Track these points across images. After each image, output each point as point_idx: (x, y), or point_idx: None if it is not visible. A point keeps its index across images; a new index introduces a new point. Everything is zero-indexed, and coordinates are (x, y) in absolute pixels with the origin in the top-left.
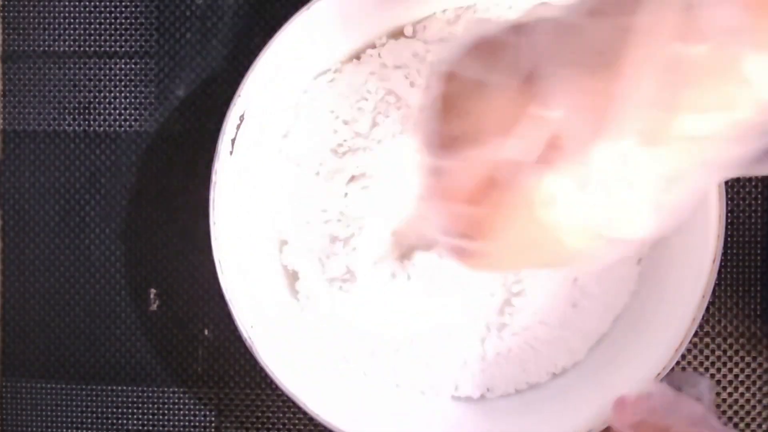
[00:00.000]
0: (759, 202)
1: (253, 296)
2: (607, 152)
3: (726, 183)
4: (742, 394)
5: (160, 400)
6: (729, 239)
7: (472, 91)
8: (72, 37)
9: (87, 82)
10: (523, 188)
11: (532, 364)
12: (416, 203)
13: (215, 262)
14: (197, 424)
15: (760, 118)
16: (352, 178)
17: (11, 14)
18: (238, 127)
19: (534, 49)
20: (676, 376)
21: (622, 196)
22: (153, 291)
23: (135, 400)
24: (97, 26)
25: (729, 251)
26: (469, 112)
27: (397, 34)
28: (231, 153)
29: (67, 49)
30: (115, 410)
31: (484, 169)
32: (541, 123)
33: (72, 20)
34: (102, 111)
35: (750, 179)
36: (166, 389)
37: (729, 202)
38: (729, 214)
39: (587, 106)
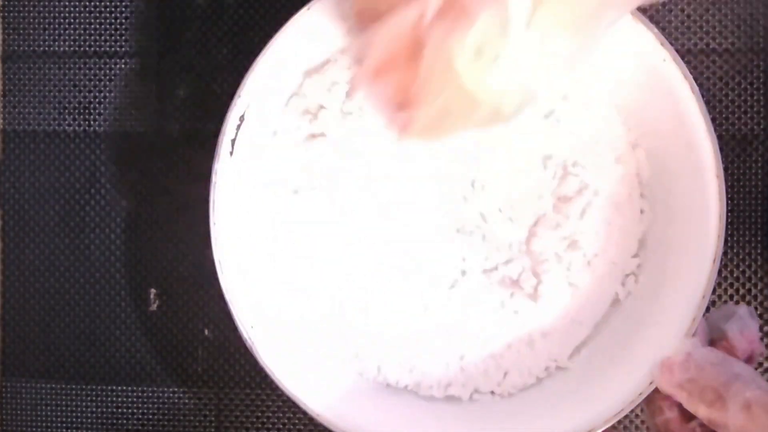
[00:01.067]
0: (759, 201)
1: (253, 296)
2: (509, 9)
3: (726, 183)
4: None
5: (160, 400)
6: (729, 239)
7: None
8: (72, 37)
9: (87, 82)
10: (437, 50)
11: (526, 365)
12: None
13: (215, 262)
14: (197, 424)
15: None
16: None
17: (11, 14)
18: (238, 127)
19: None
20: (713, 315)
21: (536, 47)
22: (153, 291)
23: (135, 400)
24: (97, 26)
25: (729, 251)
26: None
27: None
28: (231, 153)
29: (67, 49)
30: (115, 410)
31: (399, 39)
32: None
33: (72, 20)
34: (102, 111)
35: (750, 179)
36: (166, 389)
37: (729, 202)
38: (729, 214)
39: None
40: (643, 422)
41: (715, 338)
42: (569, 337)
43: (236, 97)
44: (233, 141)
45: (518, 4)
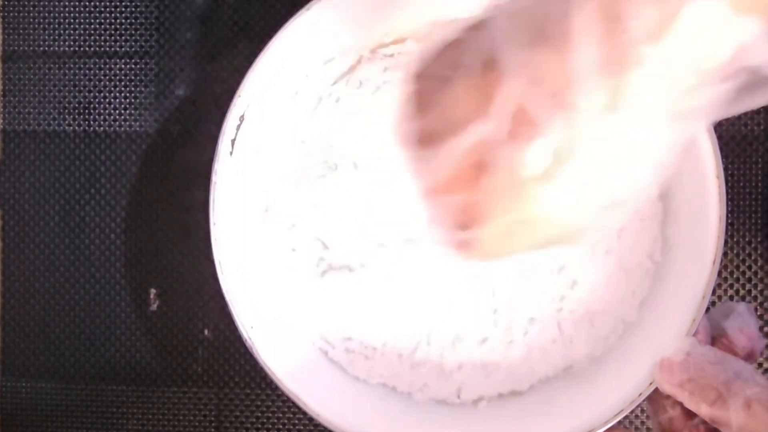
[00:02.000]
0: (759, 202)
1: (253, 297)
2: (578, 118)
3: (726, 183)
4: None
5: (160, 400)
6: (729, 239)
7: (440, 86)
8: (72, 37)
9: (87, 82)
10: (505, 166)
11: (528, 369)
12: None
13: (215, 262)
14: (197, 424)
15: (722, 58)
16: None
17: (11, 14)
18: (238, 127)
19: (491, 38)
20: (713, 313)
21: (612, 159)
22: (153, 291)
23: (135, 400)
24: (97, 26)
25: (729, 251)
26: (440, 104)
27: (399, 39)
28: (231, 153)
29: (67, 49)
30: (115, 410)
31: (465, 158)
32: (506, 100)
33: (72, 20)
34: (102, 111)
35: (750, 179)
36: (166, 389)
37: (729, 202)
38: (729, 215)
39: (545, 78)
40: (643, 423)
41: (714, 336)
42: (568, 336)
43: (236, 97)
44: (233, 141)
45: (591, 101)
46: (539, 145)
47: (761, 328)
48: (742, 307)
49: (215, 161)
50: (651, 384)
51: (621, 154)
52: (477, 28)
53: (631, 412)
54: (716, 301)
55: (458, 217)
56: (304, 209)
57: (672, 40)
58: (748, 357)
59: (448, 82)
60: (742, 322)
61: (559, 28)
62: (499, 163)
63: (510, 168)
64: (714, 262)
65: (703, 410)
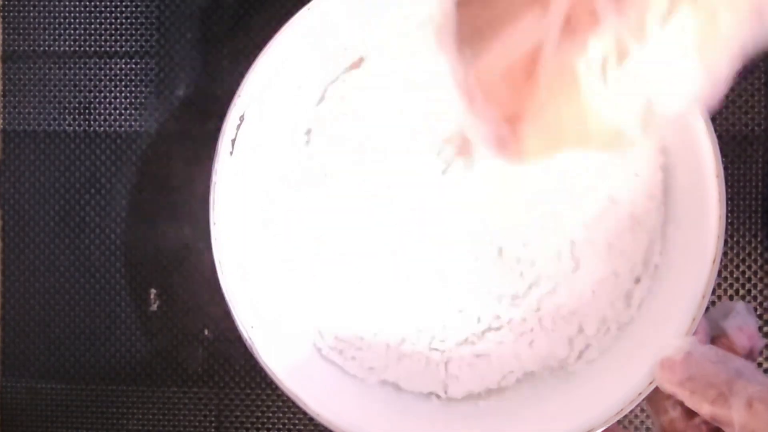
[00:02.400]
0: (759, 202)
1: (253, 296)
2: (636, 21)
3: (726, 183)
4: None
5: (160, 400)
6: (729, 239)
7: None
8: (72, 37)
9: (87, 82)
10: (559, 60)
11: (524, 365)
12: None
13: (215, 262)
14: (197, 424)
15: None
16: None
17: (11, 14)
18: (238, 127)
19: None
20: (712, 313)
21: (656, 68)
22: (153, 291)
23: (135, 400)
24: (97, 26)
25: (729, 251)
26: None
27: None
28: (231, 153)
29: (67, 49)
30: (115, 410)
31: (516, 54)
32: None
33: (72, 20)
34: (102, 111)
35: (750, 179)
36: (166, 389)
37: (729, 202)
38: (729, 214)
39: None
40: (642, 422)
41: (714, 336)
42: (568, 338)
43: (236, 96)
44: (233, 141)
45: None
46: (596, 42)
47: (761, 328)
48: (741, 306)
49: (215, 161)
50: (651, 384)
51: (664, 67)
52: None
53: (631, 411)
54: (716, 300)
55: (505, 110)
56: (304, 209)
57: None
58: (748, 356)
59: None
60: (741, 321)
61: None
62: (552, 57)
63: (564, 63)
64: (714, 262)
65: (705, 409)
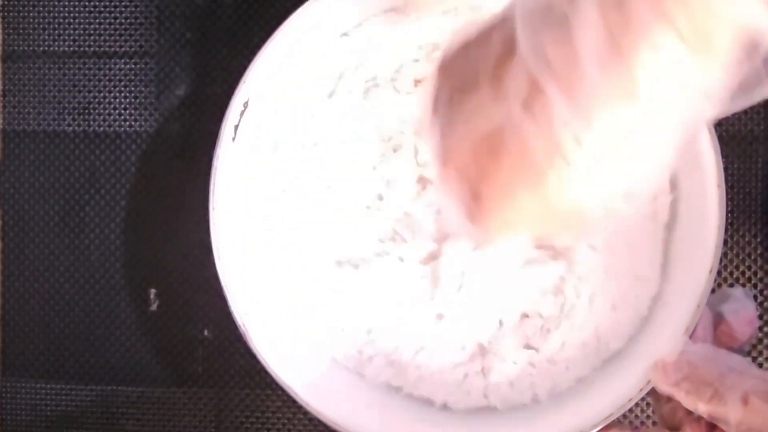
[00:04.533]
0: (758, 203)
1: (249, 284)
2: (593, 103)
3: (726, 183)
4: None
5: (160, 400)
6: (729, 239)
7: (463, 79)
8: (72, 37)
9: (87, 82)
10: (522, 143)
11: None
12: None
13: (213, 249)
14: (197, 424)
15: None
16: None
17: (11, 14)
18: (242, 113)
19: (512, 25)
20: (710, 299)
21: (627, 147)
22: (153, 291)
23: (135, 400)
24: (97, 26)
25: (729, 251)
26: (463, 88)
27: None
28: (233, 139)
29: (67, 49)
30: (115, 410)
31: (482, 130)
32: (516, 78)
33: (72, 20)
34: (102, 111)
35: (750, 180)
36: (166, 389)
37: (729, 202)
38: (729, 215)
39: (557, 61)
40: (642, 423)
41: (714, 323)
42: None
43: (241, 83)
44: (236, 127)
45: (604, 86)
46: (556, 126)
47: (761, 329)
48: (739, 292)
49: (217, 146)
50: (641, 390)
51: (636, 143)
52: (502, 18)
53: (631, 412)
54: (715, 288)
55: (476, 190)
56: (304, 206)
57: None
58: (749, 340)
59: (471, 74)
60: (739, 307)
61: (569, 8)
62: (515, 140)
63: (527, 144)
64: (711, 272)
65: (701, 408)
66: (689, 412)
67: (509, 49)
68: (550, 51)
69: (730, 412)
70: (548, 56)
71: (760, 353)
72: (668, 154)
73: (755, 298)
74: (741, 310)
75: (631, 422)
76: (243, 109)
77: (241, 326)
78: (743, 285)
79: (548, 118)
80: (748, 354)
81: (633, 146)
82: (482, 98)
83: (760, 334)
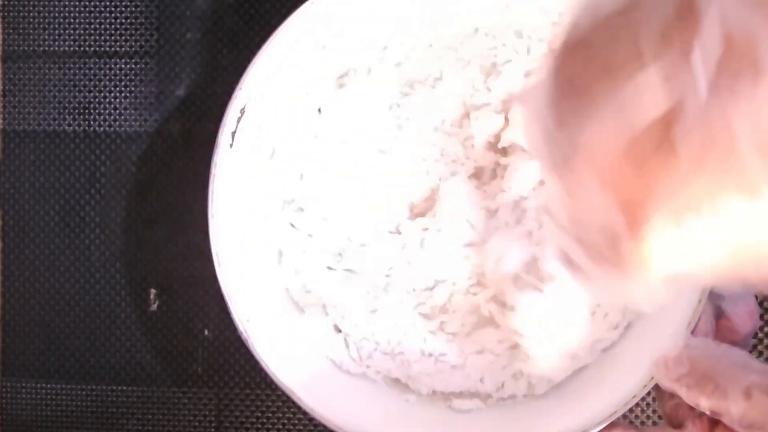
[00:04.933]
0: None
1: (250, 289)
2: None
3: None
4: None
5: (160, 400)
6: None
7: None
8: (72, 37)
9: (87, 82)
10: (700, 138)
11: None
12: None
13: (213, 255)
14: (197, 424)
15: None
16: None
17: (11, 14)
18: (239, 120)
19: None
20: (710, 294)
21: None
22: (153, 291)
23: (135, 400)
24: (97, 26)
25: None
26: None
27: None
28: (231, 145)
29: (67, 49)
30: (115, 410)
31: (641, 121)
32: (711, 31)
33: (72, 20)
34: (102, 111)
35: None
36: (166, 389)
37: None
38: None
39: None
40: (648, 417)
41: (715, 318)
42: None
43: (237, 89)
44: (233, 133)
45: None
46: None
47: (762, 329)
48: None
49: (215, 153)
50: (645, 387)
51: None
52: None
53: (637, 406)
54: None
55: (623, 194)
56: (304, 206)
57: None
58: (750, 333)
59: (623, 48)
60: (739, 299)
61: None
62: (701, 132)
63: (714, 120)
64: None
65: (703, 403)
66: (692, 409)
67: (687, 6)
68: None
69: (732, 406)
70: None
71: (761, 353)
72: None
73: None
74: (741, 303)
75: (631, 422)
76: (240, 115)
77: (243, 332)
78: None
79: (759, 98)
80: (755, 347)
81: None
82: (647, 78)
83: (760, 334)
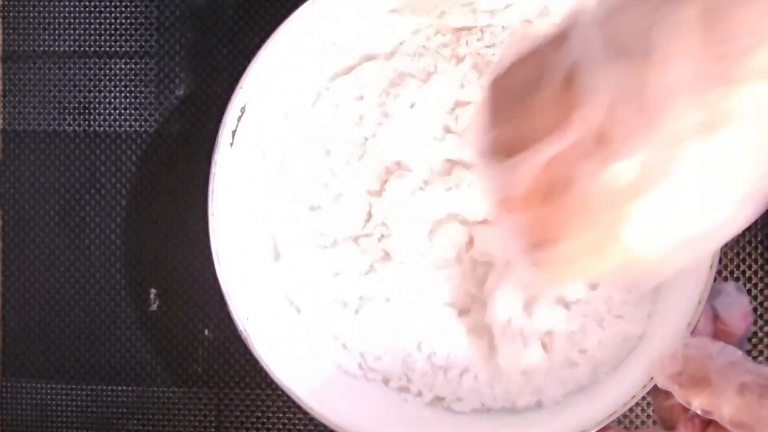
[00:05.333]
0: None
1: (250, 289)
2: (668, 138)
3: None
4: None
5: (160, 400)
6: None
7: (516, 98)
8: (72, 37)
9: (87, 82)
10: (587, 182)
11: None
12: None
13: (212, 254)
14: (197, 424)
15: None
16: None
17: (11, 14)
18: (239, 119)
19: (570, 54)
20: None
21: (701, 187)
22: (153, 291)
23: (135, 400)
24: (97, 26)
25: (729, 251)
26: (516, 116)
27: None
28: (231, 144)
29: (67, 49)
30: (115, 410)
31: (544, 171)
32: (587, 119)
33: (72, 20)
34: (102, 111)
35: None
36: (166, 389)
37: None
38: None
39: (628, 96)
40: (643, 422)
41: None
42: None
43: (238, 88)
44: (234, 132)
45: (683, 120)
46: (625, 163)
47: (761, 329)
48: (731, 287)
49: (215, 152)
50: (644, 387)
51: (710, 182)
52: (556, 41)
53: (631, 411)
54: None
55: (534, 233)
56: (304, 207)
57: None
58: (745, 334)
59: (525, 95)
60: (732, 301)
61: (643, 41)
62: (581, 178)
63: (592, 184)
64: (711, 267)
65: (695, 402)
66: (686, 410)
67: (569, 79)
68: (621, 89)
69: (724, 405)
70: (620, 95)
71: (761, 353)
72: (747, 202)
73: (749, 292)
74: (734, 304)
75: (626, 427)
76: (240, 114)
77: (243, 331)
78: (737, 279)
79: (618, 153)
80: (753, 348)
81: (706, 191)
82: (546, 125)
83: (760, 333)
